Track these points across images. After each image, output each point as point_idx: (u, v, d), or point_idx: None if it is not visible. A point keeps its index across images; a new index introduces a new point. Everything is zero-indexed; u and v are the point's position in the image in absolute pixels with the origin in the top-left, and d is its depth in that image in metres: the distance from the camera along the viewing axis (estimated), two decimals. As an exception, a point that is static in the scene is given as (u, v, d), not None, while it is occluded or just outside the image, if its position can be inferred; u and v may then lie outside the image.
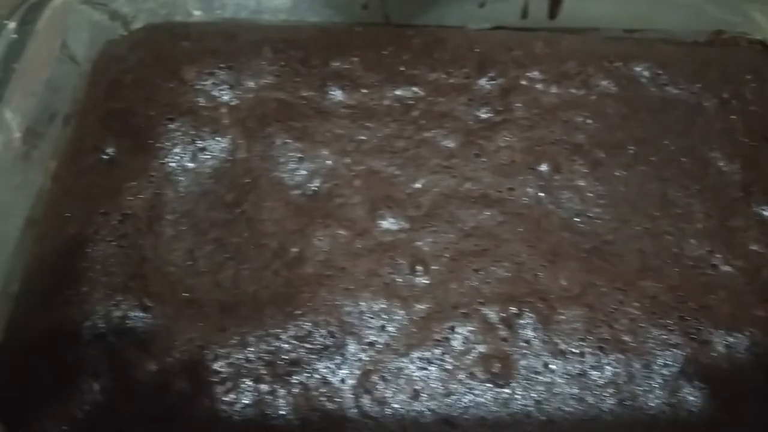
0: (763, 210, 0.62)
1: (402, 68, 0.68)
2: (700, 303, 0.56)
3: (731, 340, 0.54)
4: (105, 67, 0.68)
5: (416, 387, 0.51)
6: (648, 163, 0.64)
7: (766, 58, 0.73)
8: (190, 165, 0.61)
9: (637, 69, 0.69)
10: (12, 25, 0.64)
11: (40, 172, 0.63)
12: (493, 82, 0.68)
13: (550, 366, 0.52)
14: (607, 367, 0.52)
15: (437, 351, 0.53)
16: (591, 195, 0.61)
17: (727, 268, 0.58)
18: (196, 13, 0.74)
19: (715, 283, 0.57)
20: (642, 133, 0.65)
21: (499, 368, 0.52)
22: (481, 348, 0.53)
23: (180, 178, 0.61)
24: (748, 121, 0.67)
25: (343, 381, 0.51)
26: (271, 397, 0.50)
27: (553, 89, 0.67)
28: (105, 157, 0.61)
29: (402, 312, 0.54)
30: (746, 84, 0.70)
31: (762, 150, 0.66)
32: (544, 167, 0.62)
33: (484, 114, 0.66)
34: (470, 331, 0.53)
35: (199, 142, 0.62)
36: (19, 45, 0.63)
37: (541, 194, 0.61)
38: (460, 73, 0.68)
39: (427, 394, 0.51)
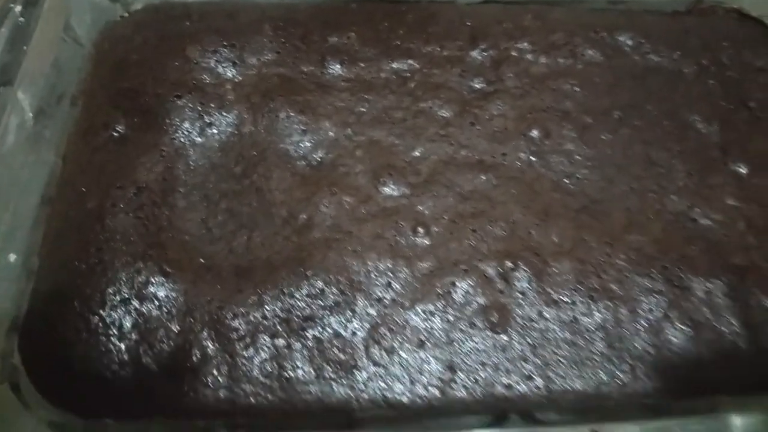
0: (739, 167, 0.68)
1: (397, 42, 0.73)
2: (681, 253, 0.62)
3: (710, 286, 0.61)
4: (109, 47, 0.72)
5: (421, 337, 0.58)
6: (632, 127, 0.70)
7: (742, 26, 0.79)
8: (199, 140, 0.66)
9: (621, 38, 0.75)
10: (18, 8, 0.68)
11: (52, 151, 0.67)
12: (485, 53, 0.73)
13: (544, 314, 0.59)
14: (597, 314, 0.59)
15: (440, 304, 0.59)
16: (579, 158, 0.67)
17: (706, 222, 0.65)
18: (194, -8, 0.79)
19: (694, 236, 0.64)
20: (627, 99, 0.72)
21: (497, 318, 0.58)
22: (480, 300, 0.59)
23: (190, 152, 0.66)
24: (726, 85, 0.74)
25: (354, 334, 0.57)
26: (287, 351, 0.56)
27: (542, 59, 0.73)
28: (116, 134, 0.66)
29: (406, 270, 0.60)
30: (723, 50, 0.76)
31: (738, 112, 0.72)
32: (535, 133, 0.68)
33: (477, 84, 0.71)
34: (470, 285, 0.60)
35: (207, 117, 0.67)
36: (26, 28, 0.68)
37: (533, 158, 0.67)
38: (453, 45, 0.73)
39: (432, 343, 0.57)
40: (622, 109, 0.70)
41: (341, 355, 0.57)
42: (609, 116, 0.70)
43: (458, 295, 0.59)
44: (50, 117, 0.68)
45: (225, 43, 0.70)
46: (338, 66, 0.71)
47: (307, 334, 0.57)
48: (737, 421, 0.51)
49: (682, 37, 0.77)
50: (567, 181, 0.66)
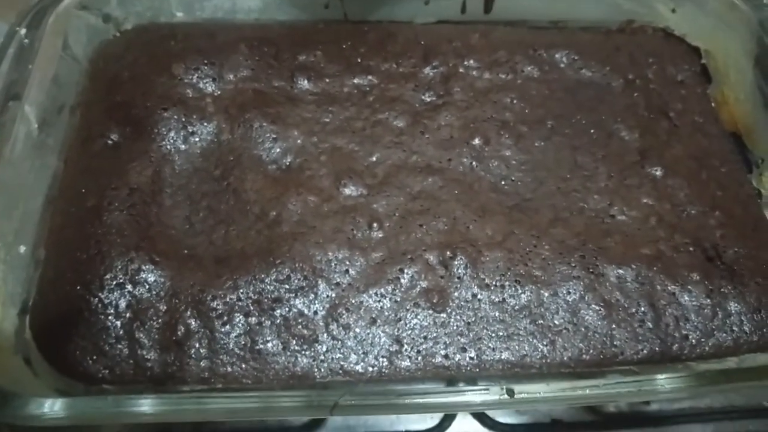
0: (655, 170, 0.81)
1: (359, 59, 0.86)
2: (599, 245, 0.75)
3: (621, 272, 0.74)
4: (103, 64, 0.85)
5: (373, 315, 0.70)
6: (563, 134, 0.83)
7: (667, 44, 0.92)
8: (183, 146, 0.79)
9: (557, 56, 0.88)
10: (23, 30, 0.80)
11: (55, 156, 0.79)
12: (436, 70, 0.86)
13: (478, 296, 0.71)
14: (522, 296, 0.72)
15: (389, 288, 0.71)
16: (515, 162, 0.80)
17: (622, 218, 0.78)
18: (179, 14, 0.91)
19: (612, 230, 0.77)
20: (559, 111, 0.84)
21: (437, 299, 0.71)
22: (424, 284, 0.72)
23: (175, 158, 0.78)
24: (649, 97, 0.87)
25: (315, 313, 0.70)
26: (258, 327, 0.69)
27: (486, 75, 0.86)
28: (110, 142, 0.78)
29: (361, 259, 0.73)
30: (649, 66, 0.89)
31: (659, 121, 0.85)
32: (477, 141, 0.81)
33: (428, 98, 0.84)
34: (415, 272, 0.72)
35: (190, 127, 0.79)
36: (30, 48, 0.80)
37: (474, 163, 0.80)
38: (408, 63, 0.86)
39: (382, 321, 0.70)
40: (555, 119, 0.83)
41: (305, 331, 0.69)
42: (543, 125, 0.83)
43: (405, 280, 0.72)
44: (52, 126, 0.80)
45: (206, 61, 0.83)
46: (306, 81, 0.83)
47: (276, 313, 0.69)
48: (664, 380, 0.63)
49: (612, 54, 0.90)
50: (503, 183, 0.79)
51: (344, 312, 0.70)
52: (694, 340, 0.71)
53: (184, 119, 0.79)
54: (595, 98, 0.86)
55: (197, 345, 0.68)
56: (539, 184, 0.79)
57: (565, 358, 0.70)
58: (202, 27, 0.88)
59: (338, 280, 0.72)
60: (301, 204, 0.76)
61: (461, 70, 0.86)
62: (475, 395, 0.63)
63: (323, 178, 0.78)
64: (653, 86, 0.88)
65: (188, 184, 0.77)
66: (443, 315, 0.70)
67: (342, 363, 0.68)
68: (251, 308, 0.69)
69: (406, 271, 0.72)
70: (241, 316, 0.69)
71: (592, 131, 0.83)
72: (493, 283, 0.72)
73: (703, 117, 0.86)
